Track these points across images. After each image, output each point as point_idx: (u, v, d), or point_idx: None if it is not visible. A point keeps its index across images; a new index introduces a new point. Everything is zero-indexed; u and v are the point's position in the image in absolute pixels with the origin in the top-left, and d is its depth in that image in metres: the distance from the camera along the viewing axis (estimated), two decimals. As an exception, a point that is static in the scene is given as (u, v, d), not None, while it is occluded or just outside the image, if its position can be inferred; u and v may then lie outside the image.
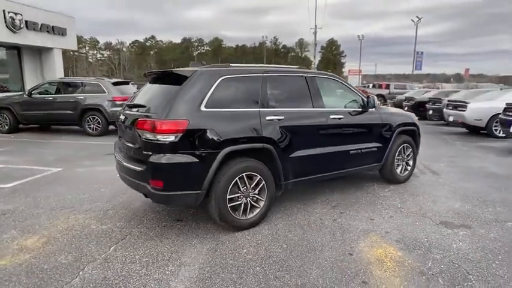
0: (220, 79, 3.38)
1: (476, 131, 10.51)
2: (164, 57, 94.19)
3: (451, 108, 10.45)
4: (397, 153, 4.91)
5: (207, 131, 3.17)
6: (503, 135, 9.38)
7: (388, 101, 22.74)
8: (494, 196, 4.49)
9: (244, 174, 3.38)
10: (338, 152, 4.19)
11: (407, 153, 5.12)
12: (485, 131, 9.75)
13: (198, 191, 3.18)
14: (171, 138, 3.03)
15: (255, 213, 3.53)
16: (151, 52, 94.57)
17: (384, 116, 4.76)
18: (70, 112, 9.68)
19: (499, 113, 9.08)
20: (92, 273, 2.71)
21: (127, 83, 10.86)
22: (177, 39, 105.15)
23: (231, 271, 2.73)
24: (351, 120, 4.32)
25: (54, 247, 3.15)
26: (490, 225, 3.56)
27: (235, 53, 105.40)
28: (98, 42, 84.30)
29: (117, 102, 9.57)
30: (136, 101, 3.68)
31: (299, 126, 3.79)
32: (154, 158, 3.08)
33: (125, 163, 3.51)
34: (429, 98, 14.06)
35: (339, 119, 4.17)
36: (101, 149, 7.96)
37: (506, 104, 7.97)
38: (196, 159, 3.12)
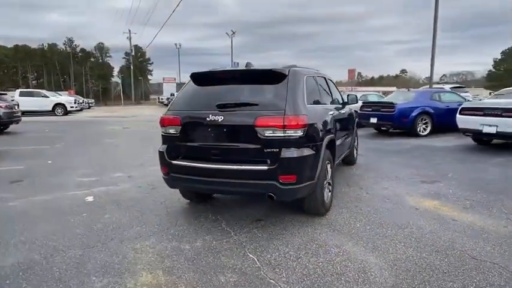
0: (305, 77, 3.74)
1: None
2: None
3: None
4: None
5: (315, 124, 3.52)
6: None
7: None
8: (417, 163, 6.58)
9: (326, 162, 3.87)
10: (345, 140, 5.19)
11: (357, 140, 6.67)
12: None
13: (313, 181, 3.47)
14: (299, 133, 3.22)
15: (329, 196, 4.04)
16: None
17: (352, 110, 6.10)
18: None
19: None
20: (288, 276, 2.65)
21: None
22: None
23: (380, 237, 3.27)
24: (345, 113, 5.40)
25: (192, 274, 2.72)
26: (445, 178, 5.40)
27: (15, 55, 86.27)
28: None
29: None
30: (223, 101, 3.45)
31: (339, 119, 4.55)
32: (287, 153, 3.17)
33: (227, 166, 3.30)
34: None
35: (343, 112, 5.17)
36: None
37: (363, 102, 11.05)
38: (313, 151, 3.41)
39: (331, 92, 4.85)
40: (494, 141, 8.31)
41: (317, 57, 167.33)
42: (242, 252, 3.06)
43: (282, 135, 3.18)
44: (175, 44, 51.65)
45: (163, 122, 3.66)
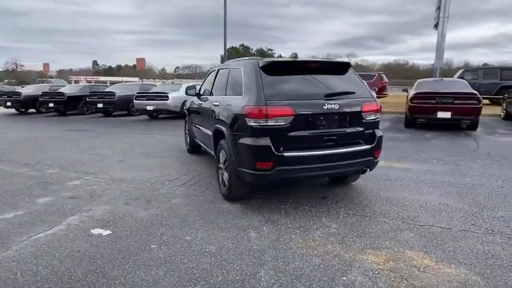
0: None
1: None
2: None
3: (146, 99, 12.68)
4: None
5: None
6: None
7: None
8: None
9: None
10: None
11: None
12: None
13: None
14: (379, 115, 4.08)
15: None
16: None
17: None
18: None
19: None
20: (428, 221, 3.55)
21: None
22: None
23: (418, 187, 4.64)
24: None
25: (388, 243, 3.16)
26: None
27: None
28: None
29: None
30: (329, 91, 3.76)
31: None
32: (379, 133, 4.00)
33: (341, 150, 3.73)
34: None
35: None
36: None
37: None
38: None
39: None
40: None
41: (38, 40, 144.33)
42: (371, 220, 3.60)
43: (374, 118, 3.95)
44: None
45: (269, 114, 3.44)
